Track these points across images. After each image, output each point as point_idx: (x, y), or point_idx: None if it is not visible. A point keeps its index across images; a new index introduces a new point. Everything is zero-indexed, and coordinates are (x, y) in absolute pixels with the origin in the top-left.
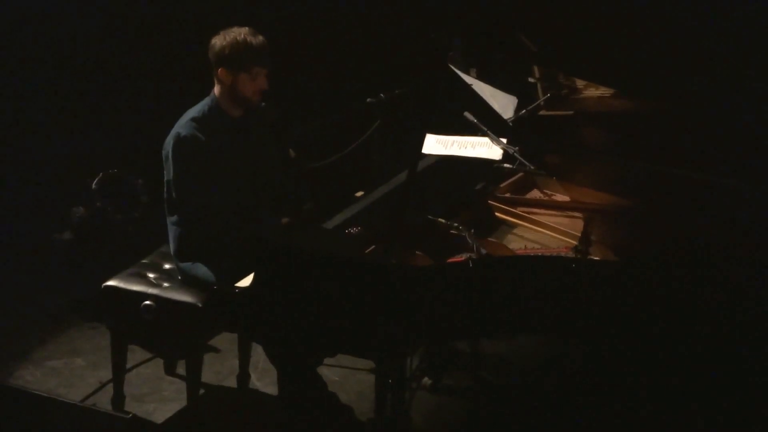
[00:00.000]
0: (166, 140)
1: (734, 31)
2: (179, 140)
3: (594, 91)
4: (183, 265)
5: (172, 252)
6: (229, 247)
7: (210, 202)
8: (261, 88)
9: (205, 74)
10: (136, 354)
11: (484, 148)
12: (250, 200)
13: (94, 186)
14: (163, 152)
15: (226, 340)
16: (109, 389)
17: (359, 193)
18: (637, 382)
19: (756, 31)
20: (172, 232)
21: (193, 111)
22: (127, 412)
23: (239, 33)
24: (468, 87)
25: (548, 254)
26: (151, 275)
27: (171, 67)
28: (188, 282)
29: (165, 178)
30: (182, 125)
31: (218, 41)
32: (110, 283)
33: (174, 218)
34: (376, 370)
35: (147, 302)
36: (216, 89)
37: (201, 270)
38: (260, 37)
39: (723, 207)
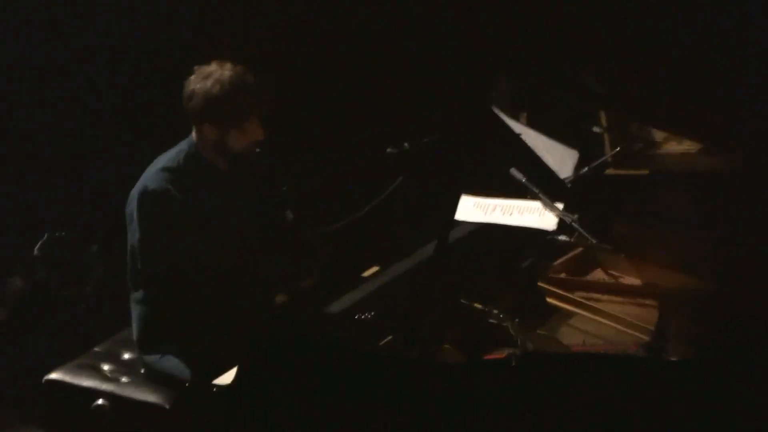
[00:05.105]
0: (131, 194)
1: None
2: (146, 195)
3: (676, 146)
4: (148, 357)
5: (135, 338)
6: (205, 334)
7: (184, 274)
8: (256, 139)
9: (178, 114)
10: None
11: (534, 215)
12: (234, 273)
13: (35, 252)
14: (127, 210)
15: None
16: None
17: (373, 269)
18: None
19: None
20: (135, 313)
21: (165, 159)
22: None
23: (222, 76)
24: (516, 137)
25: (613, 352)
26: (105, 367)
27: (135, 103)
28: (153, 377)
29: (129, 243)
30: (151, 177)
31: (197, 88)
32: (53, 376)
33: (139, 294)
34: None
35: (100, 402)
36: (195, 134)
37: (171, 362)
38: (249, 77)
39: None
